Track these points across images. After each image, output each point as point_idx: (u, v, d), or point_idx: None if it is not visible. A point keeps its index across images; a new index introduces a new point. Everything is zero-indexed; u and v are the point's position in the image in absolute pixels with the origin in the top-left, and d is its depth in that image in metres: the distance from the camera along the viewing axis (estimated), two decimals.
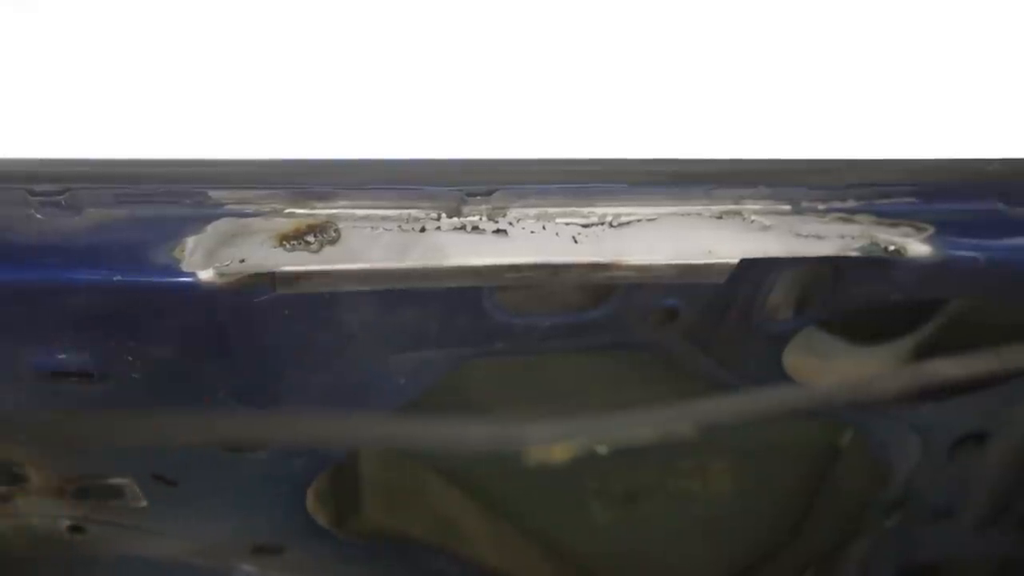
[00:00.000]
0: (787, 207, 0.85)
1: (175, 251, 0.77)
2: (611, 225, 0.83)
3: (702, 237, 0.83)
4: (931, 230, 0.86)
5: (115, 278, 0.77)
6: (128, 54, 0.79)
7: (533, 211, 0.82)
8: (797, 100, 0.84)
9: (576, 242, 0.82)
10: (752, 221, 0.85)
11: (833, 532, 1.42)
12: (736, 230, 0.84)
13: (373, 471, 1.34)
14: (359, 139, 0.79)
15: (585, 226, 0.83)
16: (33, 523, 1.13)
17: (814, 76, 0.84)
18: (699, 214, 0.84)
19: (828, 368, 1.10)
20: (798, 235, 0.84)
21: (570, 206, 0.83)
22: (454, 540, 1.43)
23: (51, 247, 0.77)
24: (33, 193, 0.76)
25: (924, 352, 1.13)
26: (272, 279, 0.78)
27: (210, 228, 0.78)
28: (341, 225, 0.80)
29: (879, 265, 0.85)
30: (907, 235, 0.85)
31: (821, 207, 0.86)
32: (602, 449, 1.37)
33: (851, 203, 0.86)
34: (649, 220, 0.83)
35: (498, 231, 0.81)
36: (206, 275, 0.77)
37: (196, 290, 0.77)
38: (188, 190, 0.78)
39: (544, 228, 0.82)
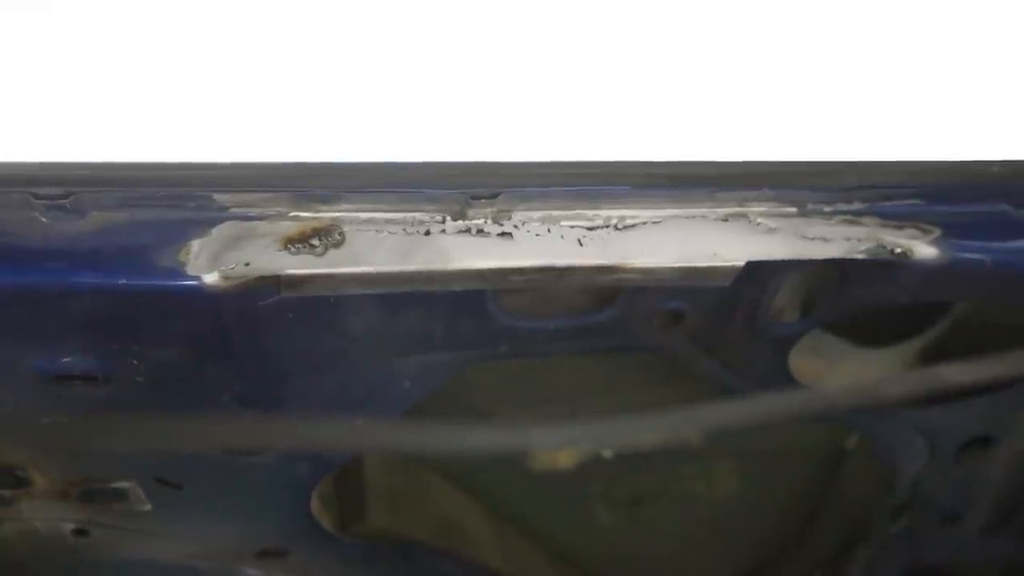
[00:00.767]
0: (793, 209, 0.85)
1: (180, 254, 0.77)
2: (616, 228, 0.83)
3: (707, 239, 0.83)
4: (937, 232, 0.85)
5: (120, 281, 0.77)
6: (133, 58, 0.79)
7: (538, 214, 0.82)
8: (802, 102, 0.83)
9: (581, 245, 0.82)
10: (758, 223, 0.84)
11: (839, 536, 1.42)
12: (741, 232, 0.84)
13: (377, 474, 1.34)
14: (363, 142, 0.79)
15: (590, 229, 0.82)
16: (37, 526, 1.13)
17: (819, 78, 0.84)
18: (704, 216, 0.84)
19: (834, 371, 1.10)
20: (804, 237, 0.84)
21: (575, 209, 0.83)
22: (458, 543, 1.43)
23: (55, 250, 0.77)
24: (37, 196, 0.76)
25: (931, 355, 1.13)
26: (277, 282, 0.78)
27: (215, 231, 0.78)
28: (345, 228, 0.80)
29: (885, 267, 0.85)
30: (913, 237, 0.85)
31: (827, 209, 0.85)
32: (607, 453, 1.37)
33: (857, 205, 0.85)
34: (654, 223, 0.83)
35: (503, 234, 0.81)
36: (211, 278, 0.77)
37: (201, 293, 0.77)
38: (193, 193, 0.78)
39: (549, 231, 0.82)
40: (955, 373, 0.92)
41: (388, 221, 0.81)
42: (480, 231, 0.81)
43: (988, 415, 1.18)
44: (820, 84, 0.84)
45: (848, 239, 0.84)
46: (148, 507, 1.09)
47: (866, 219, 0.85)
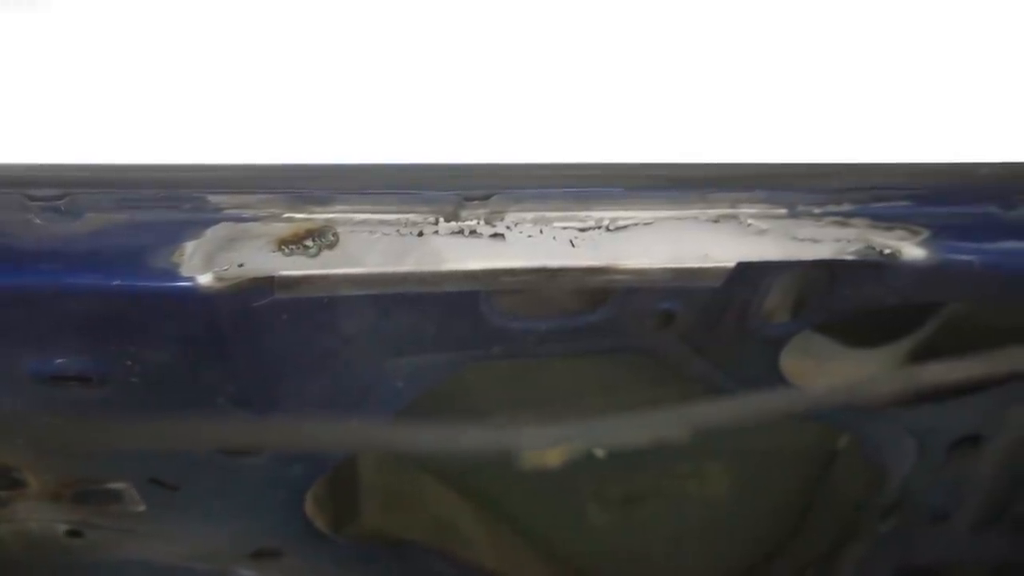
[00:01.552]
0: (783, 211, 0.86)
1: (174, 256, 0.77)
2: (608, 229, 0.83)
3: (699, 241, 0.84)
4: (926, 233, 0.86)
5: (114, 283, 0.77)
6: (128, 59, 0.79)
7: (530, 215, 0.83)
8: (793, 105, 0.84)
9: (573, 246, 0.82)
10: (748, 225, 0.85)
11: (830, 535, 1.42)
12: (732, 234, 0.84)
13: (371, 475, 1.34)
14: (357, 144, 0.79)
15: (582, 230, 0.83)
16: (31, 527, 1.13)
17: (810, 81, 0.85)
18: (695, 218, 0.85)
19: (824, 371, 1.11)
20: (794, 238, 0.85)
21: (567, 210, 0.83)
22: (452, 543, 1.43)
23: (50, 252, 0.77)
24: (32, 198, 0.76)
25: (920, 355, 1.14)
26: (271, 283, 0.79)
27: (209, 233, 0.78)
28: (339, 229, 0.80)
29: (875, 268, 0.86)
30: (902, 238, 0.86)
31: (817, 211, 0.86)
32: (599, 453, 1.37)
33: (847, 207, 0.86)
34: (646, 224, 0.84)
35: (495, 235, 0.82)
36: (205, 279, 0.77)
37: (195, 294, 0.77)
38: (187, 195, 0.78)
39: (541, 232, 0.82)
40: (942, 373, 0.93)
41: (381, 222, 0.81)
42: (473, 232, 0.82)
43: (977, 414, 1.18)
44: (810, 87, 0.85)
45: (838, 240, 0.85)
46: (142, 508, 1.09)
47: (856, 220, 0.86)
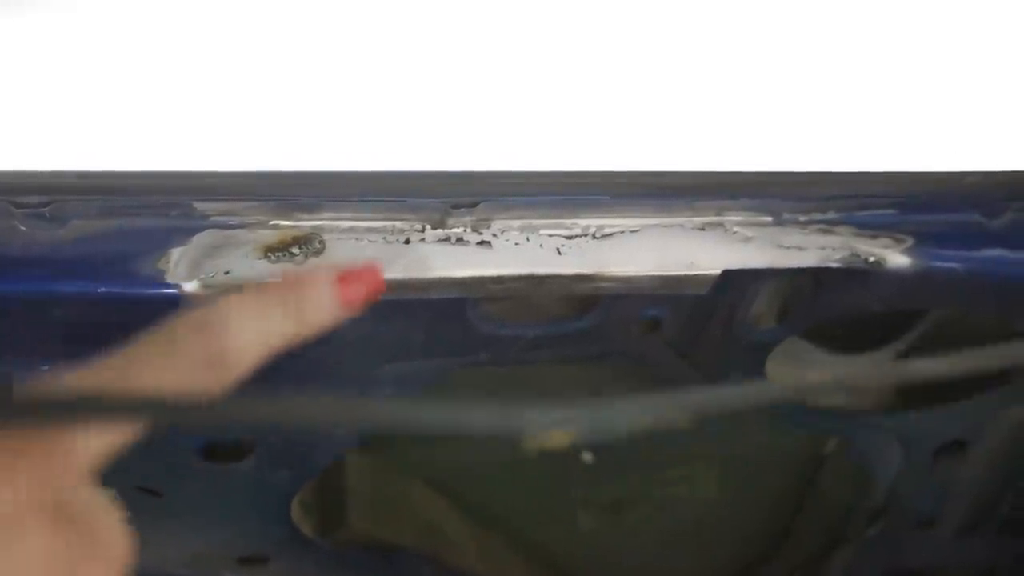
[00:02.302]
0: (769, 219, 0.86)
1: (160, 263, 0.77)
2: (594, 236, 0.83)
3: (685, 248, 0.84)
4: (910, 241, 0.86)
5: (100, 289, 0.77)
6: (113, 65, 0.79)
7: (517, 223, 0.83)
8: (778, 113, 0.84)
9: (560, 253, 0.82)
10: (734, 232, 0.85)
11: (818, 540, 1.43)
12: (718, 241, 0.85)
13: (358, 481, 1.34)
14: (343, 151, 0.79)
15: (569, 237, 0.83)
16: None
17: (795, 90, 0.85)
18: (682, 225, 0.85)
19: (810, 378, 1.11)
20: (780, 246, 0.85)
21: (554, 218, 0.83)
22: (440, 548, 1.43)
23: (35, 259, 0.77)
24: (17, 205, 0.76)
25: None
26: None
27: (195, 239, 0.78)
28: (326, 236, 0.80)
29: (860, 276, 0.86)
30: (887, 246, 0.86)
31: (802, 219, 0.86)
32: (587, 457, 1.37)
33: (832, 215, 0.87)
34: (632, 231, 0.84)
35: (482, 242, 0.82)
36: (191, 287, 0.77)
37: (181, 301, 0.77)
38: (173, 202, 0.78)
39: (528, 239, 0.83)
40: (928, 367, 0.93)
41: (368, 229, 0.81)
42: (460, 240, 0.82)
43: (962, 419, 1.19)
44: (795, 95, 0.85)
45: (823, 248, 0.85)
46: (127, 515, 1.08)
47: (841, 228, 0.86)
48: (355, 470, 1.35)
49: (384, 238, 0.81)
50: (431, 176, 0.80)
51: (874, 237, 0.86)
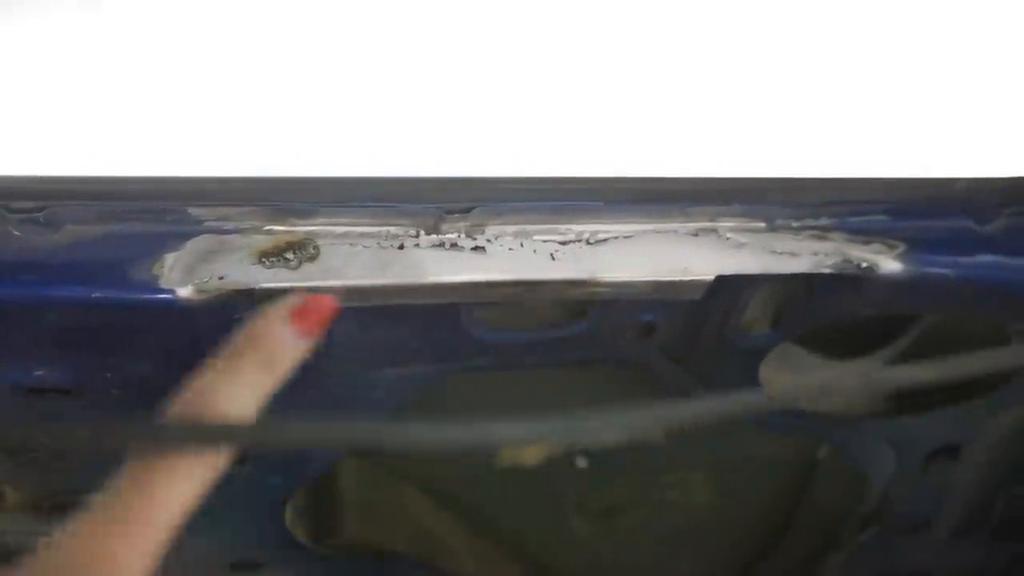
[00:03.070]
0: (762, 224, 0.86)
1: (154, 268, 0.77)
2: (588, 242, 0.84)
3: (678, 254, 0.84)
4: (902, 247, 0.87)
5: (94, 294, 0.77)
6: (107, 70, 0.79)
7: (511, 228, 0.83)
8: (771, 119, 0.85)
9: (554, 259, 0.82)
10: (727, 238, 0.85)
11: (811, 544, 1.43)
12: (712, 247, 0.85)
13: (352, 486, 1.34)
14: (338, 156, 0.79)
15: (563, 243, 0.83)
16: (8, 541, 1.12)
17: (787, 96, 0.86)
18: (675, 231, 0.85)
19: (803, 383, 1.11)
20: (773, 252, 0.85)
21: (548, 223, 0.84)
22: (434, 554, 1.43)
23: (29, 264, 0.77)
24: (11, 210, 0.76)
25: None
26: (251, 296, 0.79)
27: (189, 245, 0.78)
28: (320, 242, 0.80)
29: (852, 281, 0.86)
30: (879, 252, 0.86)
31: (795, 224, 0.87)
32: (581, 463, 1.38)
33: (824, 220, 0.87)
34: (626, 237, 0.84)
35: (476, 248, 0.82)
36: (185, 292, 0.77)
37: (175, 307, 0.77)
38: (167, 207, 0.78)
39: (522, 245, 0.83)
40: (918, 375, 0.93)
41: (362, 235, 0.81)
42: (454, 245, 0.82)
43: (955, 423, 1.19)
44: (788, 101, 0.85)
45: (816, 254, 0.86)
46: None
47: (833, 234, 0.87)
48: (349, 476, 1.34)
49: (378, 243, 0.81)
50: (425, 181, 0.80)
51: (866, 243, 0.87)
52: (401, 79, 0.82)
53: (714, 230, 0.86)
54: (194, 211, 0.79)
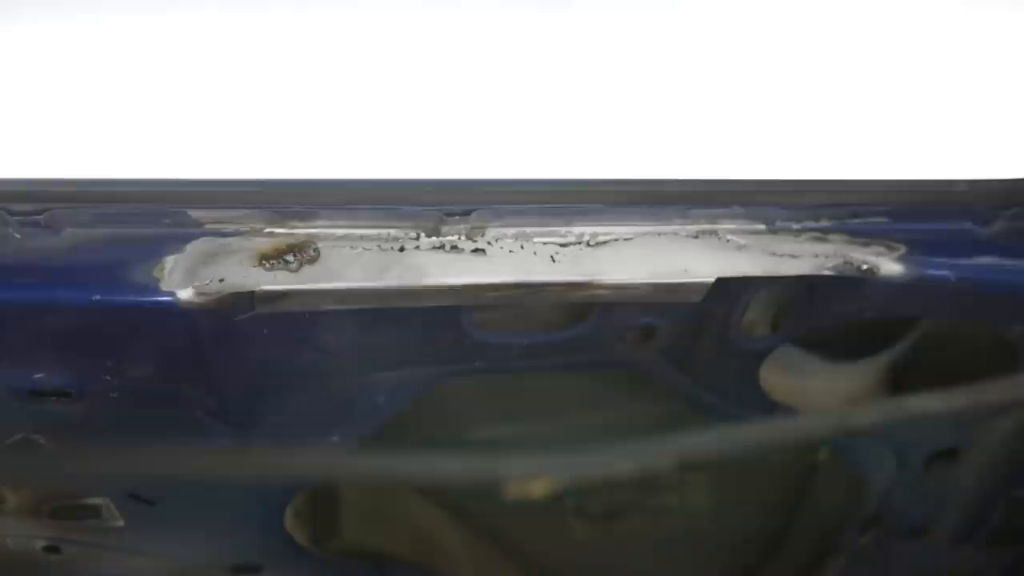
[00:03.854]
0: (762, 227, 0.86)
1: (154, 270, 0.77)
2: (588, 244, 0.84)
3: (678, 256, 0.84)
4: (903, 249, 0.87)
5: (94, 297, 0.77)
6: (108, 75, 0.79)
7: (511, 231, 0.83)
8: (771, 122, 0.85)
9: (554, 261, 0.82)
10: (728, 240, 0.85)
11: (811, 549, 1.43)
12: (712, 249, 0.85)
13: (352, 490, 1.34)
14: (338, 159, 0.79)
15: (563, 245, 0.83)
16: (8, 544, 1.12)
17: (787, 99, 0.86)
18: (675, 233, 0.85)
19: (804, 385, 1.11)
20: (773, 254, 0.85)
21: (548, 226, 0.83)
22: (433, 558, 1.43)
23: (30, 267, 0.77)
24: (12, 212, 0.76)
25: (899, 369, 1.15)
26: (251, 298, 0.79)
27: (189, 247, 0.78)
28: (320, 244, 0.80)
29: (853, 283, 0.86)
30: (880, 254, 0.86)
31: (795, 227, 0.87)
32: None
33: (825, 223, 0.87)
34: (626, 240, 0.84)
35: (476, 250, 0.82)
36: (185, 294, 0.77)
37: (175, 309, 0.77)
38: (167, 210, 0.78)
39: (522, 247, 0.83)
40: (930, 403, 0.93)
41: (363, 237, 0.81)
42: (454, 247, 0.82)
43: (954, 428, 1.19)
44: (788, 105, 0.85)
45: (816, 256, 0.86)
46: (121, 523, 1.08)
47: (834, 236, 0.87)
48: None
49: (379, 246, 0.81)
50: (425, 184, 0.80)
51: (867, 245, 0.87)
52: (401, 83, 0.82)
53: (715, 232, 0.85)
54: (194, 214, 0.79)
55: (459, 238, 0.82)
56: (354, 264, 0.80)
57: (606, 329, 0.92)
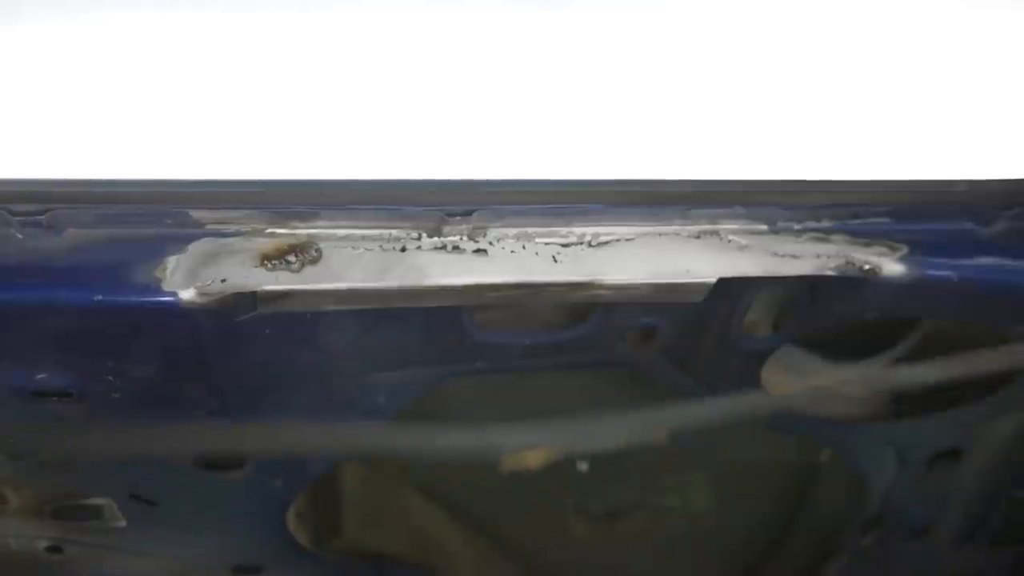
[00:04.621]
0: (763, 227, 0.86)
1: (156, 271, 0.77)
2: (590, 245, 0.84)
3: (680, 256, 0.84)
4: (904, 249, 0.87)
5: (96, 297, 0.77)
6: (110, 76, 0.79)
7: (513, 231, 0.83)
8: (772, 123, 0.85)
9: (556, 261, 0.82)
10: (729, 241, 0.85)
11: (813, 549, 1.43)
12: (714, 249, 0.85)
13: (353, 490, 1.34)
14: (340, 160, 0.79)
15: (564, 246, 0.83)
16: (10, 544, 1.12)
17: (788, 100, 0.86)
18: (677, 234, 0.85)
19: (805, 386, 1.11)
20: (774, 254, 0.85)
21: (549, 226, 0.83)
22: (435, 558, 1.43)
23: (32, 267, 0.77)
24: (14, 213, 0.76)
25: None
26: (253, 298, 0.79)
27: (191, 248, 0.78)
28: (322, 245, 0.80)
29: (854, 284, 0.86)
30: (881, 254, 0.86)
31: (797, 227, 0.87)
32: (582, 467, 1.38)
33: (826, 223, 0.87)
34: (628, 240, 0.84)
35: (478, 251, 0.82)
36: (187, 295, 0.77)
37: (177, 309, 0.77)
38: (169, 210, 0.78)
39: (524, 248, 0.83)
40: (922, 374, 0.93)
41: (364, 238, 0.81)
42: (455, 248, 0.82)
43: (956, 428, 1.19)
44: (789, 105, 0.85)
45: (818, 256, 0.86)
46: (122, 524, 1.08)
47: (835, 237, 0.87)
48: (350, 480, 1.34)
49: (380, 246, 0.81)
50: (427, 185, 0.80)
51: (868, 245, 0.87)
52: (402, 83, 0.82)
53: (716, 233, 0.85)
54: (196, 214, 0.79)
55: (461, 238, 0.82)
56: (356, 264, 0.80)
57: (607, 329, 0.92)
